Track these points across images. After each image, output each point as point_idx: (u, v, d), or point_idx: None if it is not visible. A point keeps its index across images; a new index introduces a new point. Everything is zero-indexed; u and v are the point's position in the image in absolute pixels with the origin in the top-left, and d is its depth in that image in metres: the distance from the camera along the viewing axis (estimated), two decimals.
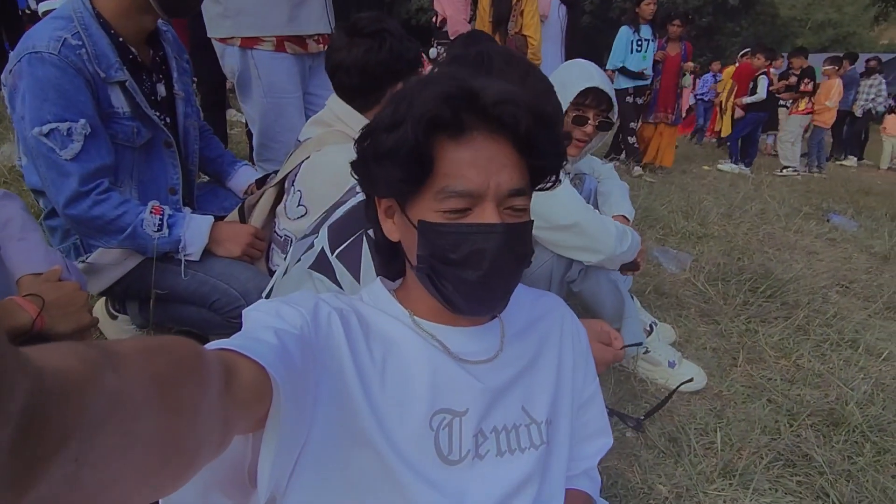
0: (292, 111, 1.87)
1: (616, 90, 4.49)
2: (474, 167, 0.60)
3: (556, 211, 1.25)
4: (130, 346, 0.32)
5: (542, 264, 1.33)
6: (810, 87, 6.55)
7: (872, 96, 7.95)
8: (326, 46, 1.96)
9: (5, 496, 0.22)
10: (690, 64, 7.06)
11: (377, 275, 0.76)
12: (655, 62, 5.34)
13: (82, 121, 1.16)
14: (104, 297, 1.52)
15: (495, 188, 0.60)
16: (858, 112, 8.06)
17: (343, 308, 0.67)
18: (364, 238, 0.87)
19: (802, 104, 6.71)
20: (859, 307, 2.51)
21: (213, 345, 0.47)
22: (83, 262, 1.29)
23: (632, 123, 5.41)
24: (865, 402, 1.70)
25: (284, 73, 1.87)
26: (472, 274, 0.61)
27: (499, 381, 0.68)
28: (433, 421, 0.64)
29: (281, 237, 1.30)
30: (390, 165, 0.61)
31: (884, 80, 8.00)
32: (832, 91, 6.78)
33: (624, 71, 5.24)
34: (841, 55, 7.15)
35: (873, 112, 8.21)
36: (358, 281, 0.87)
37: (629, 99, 5.27)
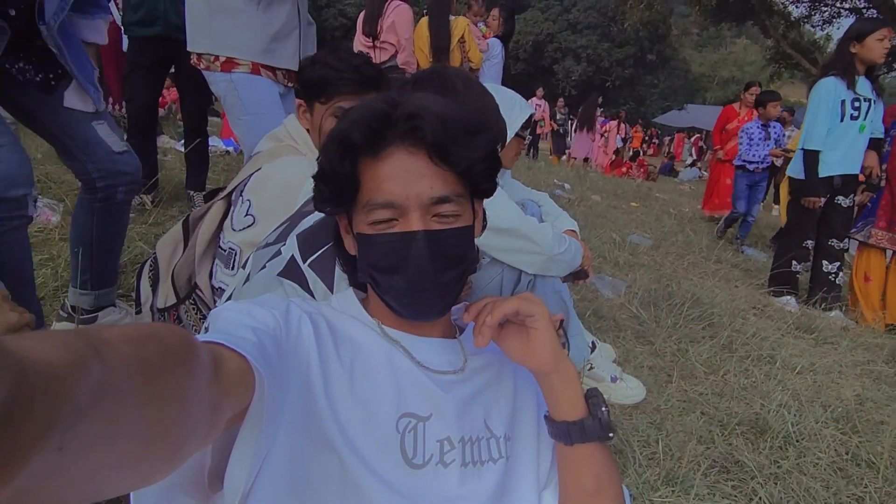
0: (273, 126, 1.91)
1: (799, 185, 3.16)
2: (393, 180, 0.64)
3: (495, 216, 1.30)
4: (119, 334, 0.32)
5: (492, 278, 1.36)
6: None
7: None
8: (292, 83, 2.10)
9: None
10: None
11: (350, 286, 0.78)
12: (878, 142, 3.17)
13: None
14: None
15: (416, 198, 0.64)
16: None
17: (312, 312, 0.68)
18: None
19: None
20: (773, 327, 2.74)
21: (199, 337, 0.48)
22: None
23: (833, 240, 3.24)
24: (785, 411, 1.83)
25: (262, 91, 1.95)
26: (400, 280, 0.65)
27: (463, 393, 0.70)
28: (399, 424, 0.65)
29: (225, 251, 1.26)
30: (322, 185, 0.67)
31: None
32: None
33: (811, 154, 3.12)
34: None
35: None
36: (332, 291, 0.86)
37: (840, 201, 3.19)
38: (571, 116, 12.24)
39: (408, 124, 0.63)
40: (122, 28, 3.11)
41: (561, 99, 12.40)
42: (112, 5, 3.93)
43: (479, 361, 0.75)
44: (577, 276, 1.52)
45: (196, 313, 1.28)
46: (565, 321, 1.51)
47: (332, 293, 0.87)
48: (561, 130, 11.78)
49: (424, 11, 3.77)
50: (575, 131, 10.98)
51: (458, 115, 0.66)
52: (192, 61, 1.99)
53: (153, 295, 1.34)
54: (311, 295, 0.88)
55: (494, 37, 4.01)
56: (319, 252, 0.89)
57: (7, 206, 1.16)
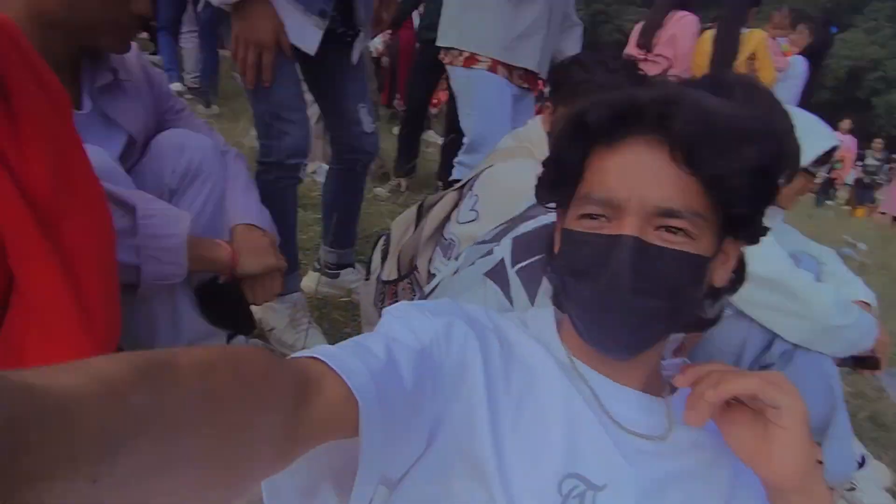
0: (498, 127, 1.97)
1: None
2: (619, 174, 0.54)
3: (752, 258, 1.01)
4: (192, 358, 0.32)
5: (733, 336, 1.09)
6: None
7: None
8: (527, 85, 2.13)
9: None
10: None
11: (554, 304, 0.69)
12: None
13: None
14: None
15: (639, 201, 0.52)
16: None
17: (486, 328, 0.60)
18: None
19: None
20: None
21: (309, 352, 0.45)
22: None
23: None
24: None
25: (495, 90, 2.03)
26: (589, 288, 0.55)
27: (656, 471, 0.55)
28: (564, 485, 0.53)
29: (446, 240, 1.30)
30: (545, 169, 0.62)
31: None
32: None
33: None
34: None
35: None
36: (532, 303, 0.81)
37: None
38: (891, 163, 9.61)
39: (657, 109, 0.51)
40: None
41: (879, 140, 9.82)
42: (415, 14, 4.58)
43: (689, 436, 0.58)
44: (862, 363, 1.14)
45: (411, 293, 1.36)
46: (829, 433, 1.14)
47: (532, 306, 0.80)
48: (868, 180, 9.34)
49: (710, 25, 3.38)
50: (892, 181, 8.62)
51: (727, 112, 0.52)
52: (439, 56, 2.14)
53: (381, 267, 1.47)
54: (510, 302, 0.82)
55: (798, 54, 3.36)
56: (530, 260, 0.83)
57: (285, 170, 1.41)
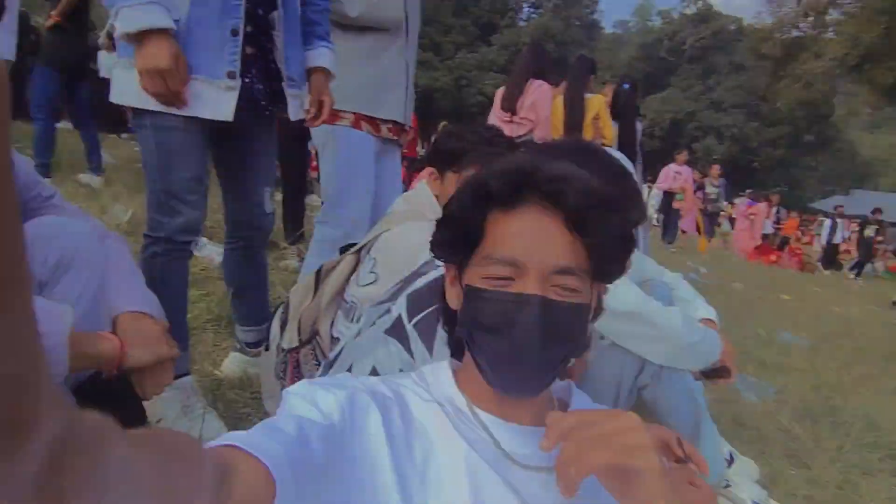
0: (361, 183, 2.00)
1: None
2: (520, 238, 0.61)
3: (612, 296, 1.15)
4: (138, 432, 0.36)
5: (612, 363, 1.23)
6: None
7: None
8: (396, 136, 2.15)
9: None
10: None
11: (450, 351, 0.74)
12: None
13: None
14: None
15: (539, 262, 0.60)
16: None
17: (387, 397, 0.64)
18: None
19: None
20: None
21: (223, 438, 0.47)
22: None
23: None
24: None
25: (357, 147, 2.03)
26: (501, 343, 0.61)
27: (551, 500, 0.61)
28: None
29: (348, 303, 1.31)
30: (444, 229, 0.67)
31: None
32: None
33: None
34: None
35: None
36: (430, 353, 0.85)
37: None
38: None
39: (550, 186, 0.61)
40: None
41: (716, 166, 10.35)
42: None
43: None
44: (716, 373, 1.33)
45: (314, 360, 1.33)
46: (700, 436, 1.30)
47: (431, 356, 0.85)
48: (712, 208, 9.94)
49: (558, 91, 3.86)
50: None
51: (602, 187, 0.63)
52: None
53: (280, 336, 1.42)
54: (411, 355, 0.87)
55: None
56: (425, 312, 0.89)
57: (174, 244, 1.35)
